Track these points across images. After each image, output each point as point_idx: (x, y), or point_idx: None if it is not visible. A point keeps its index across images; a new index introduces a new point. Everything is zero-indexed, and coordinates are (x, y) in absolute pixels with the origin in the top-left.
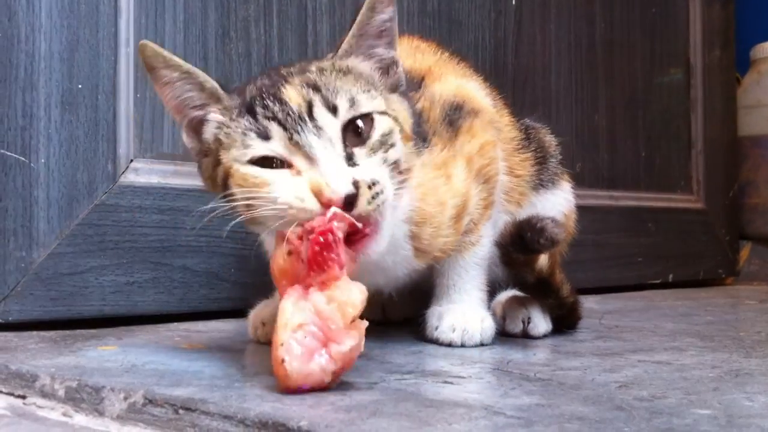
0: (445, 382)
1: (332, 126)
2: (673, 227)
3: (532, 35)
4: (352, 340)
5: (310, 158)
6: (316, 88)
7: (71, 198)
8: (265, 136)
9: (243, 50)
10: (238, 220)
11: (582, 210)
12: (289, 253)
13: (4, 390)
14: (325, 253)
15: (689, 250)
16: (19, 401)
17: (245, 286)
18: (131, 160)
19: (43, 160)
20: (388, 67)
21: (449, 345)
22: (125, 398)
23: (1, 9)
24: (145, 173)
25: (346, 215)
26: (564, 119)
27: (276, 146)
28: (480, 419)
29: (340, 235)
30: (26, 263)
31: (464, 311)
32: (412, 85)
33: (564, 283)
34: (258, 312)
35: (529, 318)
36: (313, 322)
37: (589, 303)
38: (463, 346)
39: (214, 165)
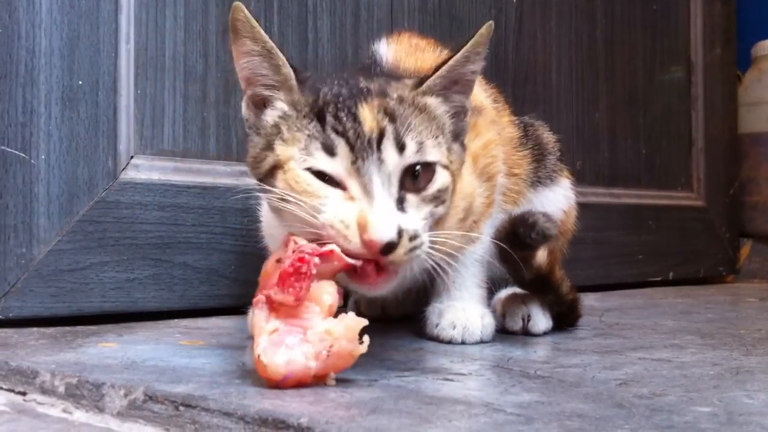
0: (446, 379)
1: (395, 164)
2: (673, 225)
3: (533, 32)
4: (329, 323)
5: (365, 188)
6: (392, 118)
7: (71, 194)
8: (330, 151)
9: None
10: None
11: (582, 207)
12: (278, 260)
13: (4, 386)
14: (292, 278)
15: (690, 247)
16: (20, 398)
17: (245, 283)
18: (132, 157)
19: (43, 157)
20: (458, 113)
21: (449, 342)
22: (125, 395)
23: (2, 5)
24: (145, 170)
25: (345, 258)
26: (564, 117)
27: (338, 167)
28: (480, 416)
29: (314, 271)
30: (26, 260)
31: (464, 308)
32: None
33: (564, 281)
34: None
35: (529, 315)
36: (288, 323)
37: (589, 300)
38: (463, 343)
39: (264, 147)
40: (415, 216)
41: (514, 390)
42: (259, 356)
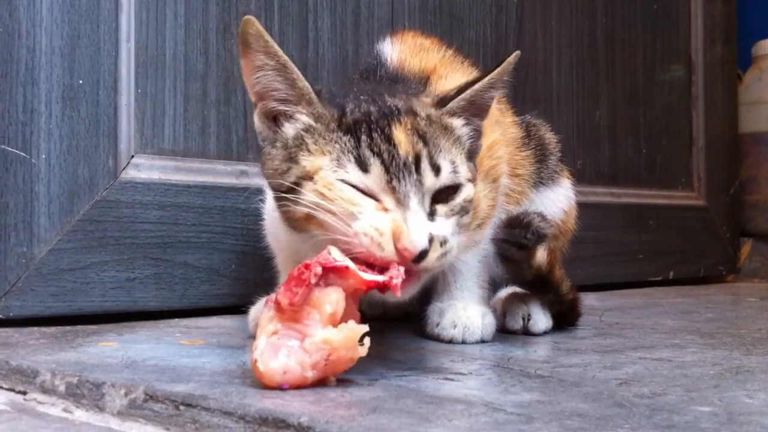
0: (446, 378)
1: (432, 185)
2: (674, 224)
3: (534, 31)
4: (328, 332)
5: (399, 202)
6: (424, 141)
7: (72, 194)
8: (364, 167)
9: None
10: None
11: (583, 207)
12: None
13: (4, 386)
14: (292, 283)
15: (690, 247)
16: (20, 397)
17: (246, 282)
18: (132, 156)
19: (43, 156)
20: (475, 135)
21: (450, 342)
22: (126, 394)
23: (2, 4)
24: (146, 169)
25: (361, 274)
26: (565, 115)
27: (372, 183)
28: (480, 416)
29: (313, 280)
30: (27, 259)
31: (465, 307)
32: (417, 85)
33: (564, 280)
34: (258, 308)
35: (529, 315)
36: (288, 327)
37: (589, 300)
38: (463, 342)
39: (285, 159)
40: (444, 224)
41: (515, 389)
42: (255, 361)
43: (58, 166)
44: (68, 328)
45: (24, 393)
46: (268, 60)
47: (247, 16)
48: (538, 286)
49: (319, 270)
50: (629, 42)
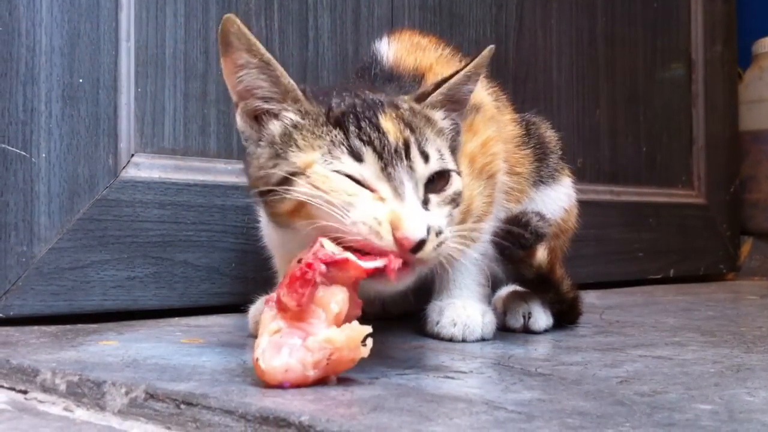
0: (446, 377)
1: (422, 171)
2: (674, 222)
3: (534, 30)
4: (331, 331)
5: (395, 191)
6: (411, 129)
7: (72, 192)
8: (357, 157)
9: None
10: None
11: (583, 205)
12: (299, 260)
13: (5, 385)
14: (297, 283)
15: (690, 245)
16: (21, 396)
17: (246, 281)
18: (132, 155)
19: (44, 155)
20: (455, 131)
21: (450, 340)
22: (126, 393)
23: (2, 3)
24: (146, 168)
25: (360, 263)
26: (565, 114)
27: (367, 172)
28: (481, 414)
29: (318, 280)
30: (27, 258)
31: (465, 306)
32: (411, 83)
33: (564, 279)
34: (258, 307)
35: (529, 313)
36: (292, 325)
37: (590, 298)
38: (464, 341)
39: (271, 157)
40: (438, 214)
41: (515, 388)
42: (257, 359)
43: (58, 165)
44: (69, 326)
45: (25, 392)
46: (251, 58)
47: (227, 15)
48: (539, 284)
49: (323, 268)
50: (629, 41)
